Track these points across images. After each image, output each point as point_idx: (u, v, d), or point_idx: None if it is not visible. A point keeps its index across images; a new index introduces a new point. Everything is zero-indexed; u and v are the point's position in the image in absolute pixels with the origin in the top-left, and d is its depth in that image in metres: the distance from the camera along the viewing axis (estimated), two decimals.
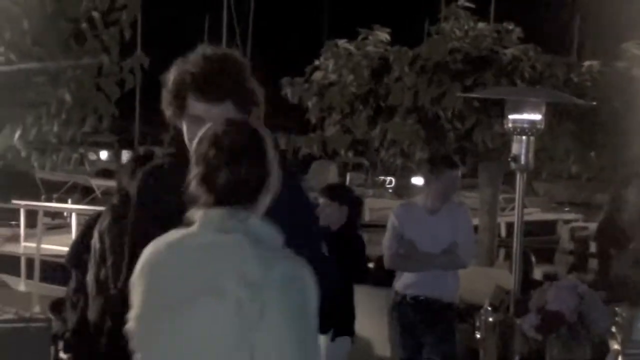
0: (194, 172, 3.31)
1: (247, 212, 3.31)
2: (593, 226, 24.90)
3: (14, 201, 20.80)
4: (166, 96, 3.96)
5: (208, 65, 3.93)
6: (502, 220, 17.70)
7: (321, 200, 8.35)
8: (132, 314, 3.33)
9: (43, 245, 16.05)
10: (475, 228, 13.13)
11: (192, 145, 3.49)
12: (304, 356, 3.15)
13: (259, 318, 3.08)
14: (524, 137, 7.98)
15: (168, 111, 3.97)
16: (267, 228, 3.31)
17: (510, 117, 8.06)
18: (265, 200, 3.37)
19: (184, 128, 3.92)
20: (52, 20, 10.47)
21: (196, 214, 3.31)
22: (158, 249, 3.35)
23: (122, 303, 5.03)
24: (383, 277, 9.73)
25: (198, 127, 3.60)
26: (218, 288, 3.14)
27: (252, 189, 3.33)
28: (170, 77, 3.95)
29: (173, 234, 3.36)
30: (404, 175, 29.58)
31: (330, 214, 8.22)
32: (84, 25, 10.55)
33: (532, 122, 8.02)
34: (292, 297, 3.15)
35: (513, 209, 16.48)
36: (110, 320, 6.71)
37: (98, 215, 7.95)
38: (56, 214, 20.60)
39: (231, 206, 3.29)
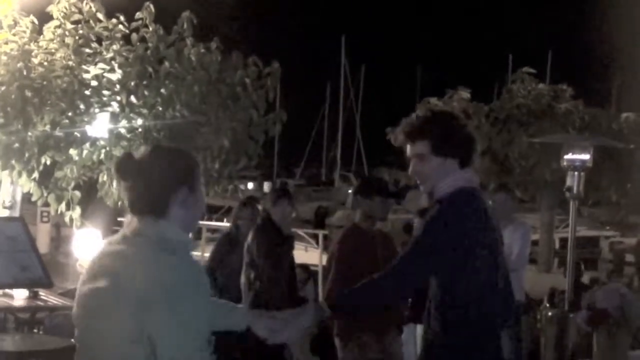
0: None
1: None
2: (627, 241, 24.32)
3: None
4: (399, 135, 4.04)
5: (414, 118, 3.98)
6: (556, 236, 17.32)
7: (416, 219, 8.33)
8: None
9: (206, 254, 16.20)
10: (536, 242, 12.92)
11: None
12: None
13: None
14: (575, 173, 7.87)
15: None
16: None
17: (566, 157, 7.95)
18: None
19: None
20: (215, 86, 10.60)
21: None
22: None
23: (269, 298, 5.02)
24: None
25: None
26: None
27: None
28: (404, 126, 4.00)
29: None
30: None
31: None
32: (239, 89, 10.66)
33: (583, 161, 7.91)
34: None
35: (565, 227, 16.19)
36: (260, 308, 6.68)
37: (228, 233, 8.20)
38: (215, 230, 20.83)
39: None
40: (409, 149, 3.89)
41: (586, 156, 7.96)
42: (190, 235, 3.08)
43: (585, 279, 12.50)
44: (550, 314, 8.72)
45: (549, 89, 13.50)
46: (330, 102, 43.19)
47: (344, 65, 39.96)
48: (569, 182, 8.02)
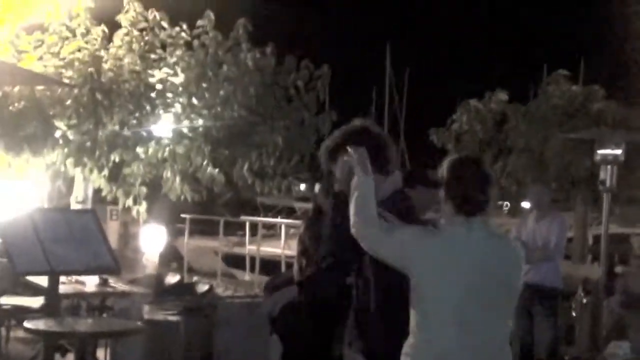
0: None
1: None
2: None
3: (242, 217, 21.19)
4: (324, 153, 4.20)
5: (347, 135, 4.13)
6: (589, 233, 17.01)
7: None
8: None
9: (261, 248, 16.24)
10: (570, 239, 12.72)
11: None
12: None
13: None
14: (609, 167, 7.75)
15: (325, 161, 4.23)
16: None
17: (599, 152, 7.85)
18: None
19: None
20: (270, 88, 10.62)
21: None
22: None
23: (315, 284, 4.93)
24: None
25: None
26: None
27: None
28: (328, 142, 4.19)
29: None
30: (517, 200, 28.77)
31: None
32: (292, 90, 10.67)
33: (615, 156, 7.80)
34: None
35: (598, 224, 15.88)
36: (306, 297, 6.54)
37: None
38: (270, 227, 20.86)
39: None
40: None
41: (618, 151, 7.85)
42: None
43: (618, 271, 12.29)
44: (585, 301, 8.60)
45: (583, 89, 13.27)
46: (376, 106, 43.05)
47: (389, 73, 39.86)
48: (602, 175, 7.91)
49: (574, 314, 9.04)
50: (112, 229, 20.03)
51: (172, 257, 19.51)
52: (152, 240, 14.75)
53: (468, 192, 3.46)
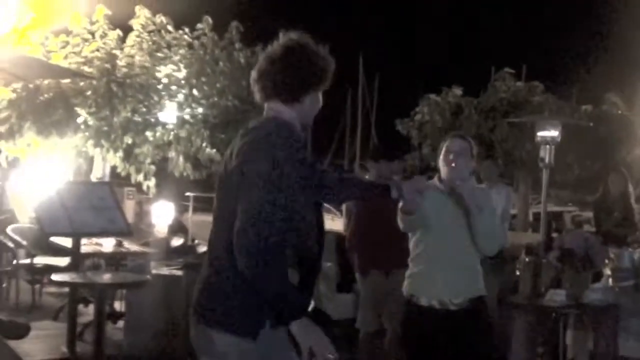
0: None
1: None
2: (585, 214, 24.02)
3: None
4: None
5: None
6: (530, 211, 17.05)
7: None
8: None
9: None
10: (515, 215, 12.75)
11: None
12: None
13: None
14: (547, 146, 7.74)
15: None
16: None
17: (539, 133, 7.84)
18: None
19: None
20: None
21: None
22: None
23: None
24: None
25: None
26: None
27: None
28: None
29: None
30: None
31: None
32: None
33: (553, 137, 7.78)
34: None
35: (538, 204, 15.94)
36: None
37: None
38: None
39: None
40: None
41: (555, 133, 7.84)
42: None
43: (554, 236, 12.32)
44: (527, 260, 8.56)
45: (525, 86, 13.27)
46: (351, 105, 43.02)
47: (362, 76, 39.90)
48: (541, 154, 7.88)
49: (517, 272, 8.98)
50: (129, 208, 19.94)
51: (178, 229, 19.40)
52: (162, 215, 14.68)
53: None
